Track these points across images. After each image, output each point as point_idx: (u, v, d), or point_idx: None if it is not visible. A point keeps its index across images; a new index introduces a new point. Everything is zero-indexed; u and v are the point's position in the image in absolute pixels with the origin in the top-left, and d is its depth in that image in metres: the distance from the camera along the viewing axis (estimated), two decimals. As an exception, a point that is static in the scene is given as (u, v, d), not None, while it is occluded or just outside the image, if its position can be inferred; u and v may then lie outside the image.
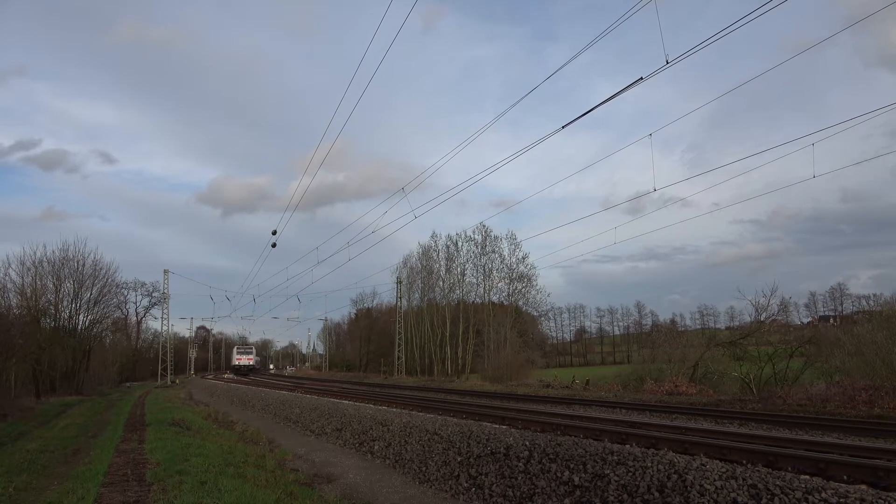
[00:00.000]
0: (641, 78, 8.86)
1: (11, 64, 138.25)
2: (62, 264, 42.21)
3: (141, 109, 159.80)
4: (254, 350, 79.63)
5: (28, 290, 39.52)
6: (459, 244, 57.85)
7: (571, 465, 5.73)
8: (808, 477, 4.66)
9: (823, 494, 4.05)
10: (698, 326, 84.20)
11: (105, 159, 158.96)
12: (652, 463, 5.24)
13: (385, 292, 74.39)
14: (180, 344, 78.75)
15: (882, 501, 3.84)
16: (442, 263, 59.44)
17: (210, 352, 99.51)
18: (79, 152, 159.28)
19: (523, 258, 56.47)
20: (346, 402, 14.85)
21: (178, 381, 51.23)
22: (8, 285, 38.64)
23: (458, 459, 7.06)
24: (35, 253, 42.14)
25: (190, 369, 70.58)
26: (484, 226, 56.61)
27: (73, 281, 43.03)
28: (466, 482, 6.65)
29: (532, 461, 6.15)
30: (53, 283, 41.54)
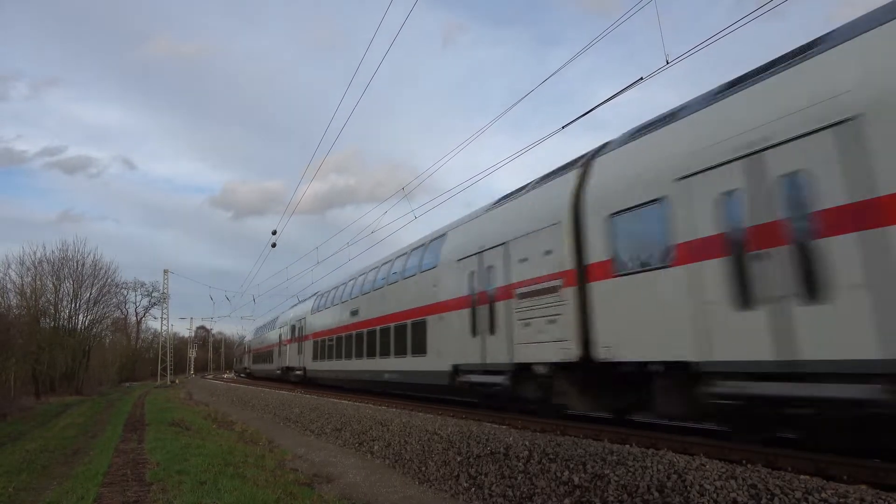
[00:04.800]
0: (641, 78, 8.85)
1: (46, 75, 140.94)
2: (62, 264, 42.36)
3: (161, 117, 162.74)
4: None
5: (28, 290, 39.60)
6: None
7: (571, 465, 5.72)
8: (807, 477, 4.65)
9: (823, 494, 4.05)
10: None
11: (127, 165, 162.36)
12: (652, 463, 5.24)
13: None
14: (180, 344, 78.67)
15: (882, 501, 3.84)
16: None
17: (210, 352, 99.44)
18: (101, 158, 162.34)
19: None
20: (346, 402, 14.85)
21: (177, 381, 51.18)
22: (8, 285, 38.75)
23: (458, 459, 7.06)
24: (35, 253, 42.36)
25: (189, 369, 70.51)
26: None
27: (73, 281, 43.15)
28: (466, 482, 6.65)
29: (532, 461, 6.15)
30: (53, 283, 41.66)
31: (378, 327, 16.80)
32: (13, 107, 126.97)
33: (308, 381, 26.61)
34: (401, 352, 14.96)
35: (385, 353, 16.05)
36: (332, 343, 21.81)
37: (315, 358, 24.76)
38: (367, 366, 17.68)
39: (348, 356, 19.64)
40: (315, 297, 27.39)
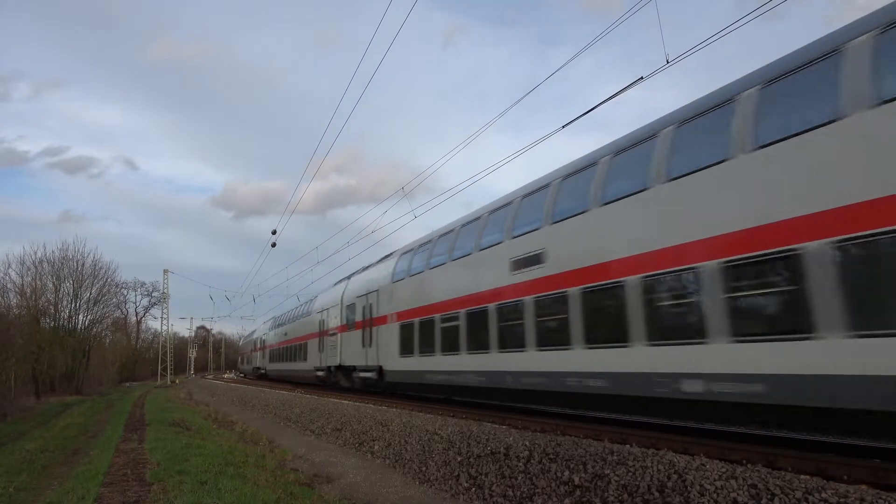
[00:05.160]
0: (642, 77, 8.85)
1: (48, 75, 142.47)
2: (62, 264, 42.33)
3: (163, 117, 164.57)
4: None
5: (28, 290, 39.58)
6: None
7: (571, 465, 5.72)
8: (808, 477, 4.66)
9: (823, 494, 4.05)
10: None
11: (128, 165, 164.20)
12: (652, 463, 5.24)
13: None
14: (180, 344, 78.64)
15: (882, 501, 3.85)
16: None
17: (210, 352, 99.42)
18: (103, 158, 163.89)
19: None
20: (346, 402, 14.85)
21: (177, 381, 51.21)
22: (8, 285, 38.75)
23: (458, 459, 7.07)
24: (35, 253, 42.30)
25: (190, 369, 70.54)
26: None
27: (73, 281, 43.13)
28: (466, 482, 6.65)
29: (532, 461, 6.15)
30: (53, 283, 41.64)
31: (624, 280, 8.49)
32: (15, 107, 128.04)
33: (386, 389, 17.65)
34: (719, 332, 7.00)
35: (648, 335, 8.02)
36: (457, 323, 12.98)
37: (405, 352, 15.69)
38: (580, 363, 9.24)
39: (504, 345, 11.28)
40: (398, 256, 17.95)
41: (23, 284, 39.67)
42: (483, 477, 6.48)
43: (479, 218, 13.27)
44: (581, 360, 9.26)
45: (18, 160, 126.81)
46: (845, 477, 5.17)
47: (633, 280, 8.33)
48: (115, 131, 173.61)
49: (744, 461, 5.69)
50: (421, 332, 14.92)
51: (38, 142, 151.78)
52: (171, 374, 56.46)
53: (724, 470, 4.78)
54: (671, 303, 7.91)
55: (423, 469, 7.55)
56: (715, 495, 4.44)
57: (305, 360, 27.28)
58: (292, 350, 30.76)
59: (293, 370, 30.28)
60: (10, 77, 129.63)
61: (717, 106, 7.71)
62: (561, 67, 10.51)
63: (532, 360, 10.42)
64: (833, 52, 6.45)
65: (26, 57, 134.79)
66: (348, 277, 23.78)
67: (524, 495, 5.84)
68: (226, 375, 65.09)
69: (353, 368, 20.14)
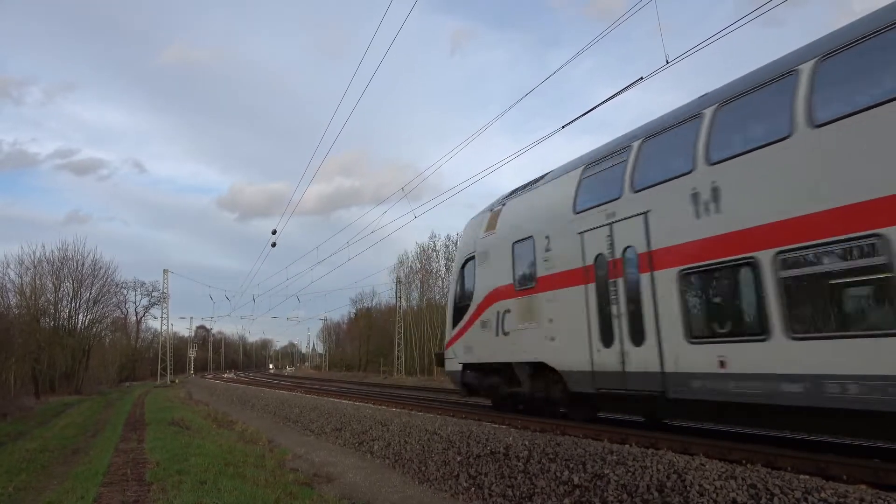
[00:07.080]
0: (641, 78, 8.87)
1: (62, 80, 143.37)
2: (61, 264, 42.39)
3: (171, 120, 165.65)
4: None
5: (27, 290, 39.60)
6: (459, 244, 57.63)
7: (571, 465, 5.72)
8: (807, 476, 4.65)
9: (823, 494, 4.05)
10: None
11: (137, 167, 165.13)
12: (651, 463, 5.24)
13: (384, 292, 73.55)
14: (180, 343, 78.63)
15: (882, 501, 3.84)
16: (441, 263, 59.05)
17: (210, 351, 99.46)
18: (112, 160, 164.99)
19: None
20: (346, 402, 14.86)
21: (177, 381, 51.20)
22: (7, 285, 38.77)
23: (458, 459, 7.06)
24: (34, 253, 42.31)
25: (189, 369, 70.50)
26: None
27: (73, 280, 43.17)
28: (466, 482, 6.65)
29: (531, 461, 6.15)
30: (53, 283, 41.70)
31: None
32: (27, 111, 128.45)
33: None
34: None
35: None
36: None
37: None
38: None
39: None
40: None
41: (22, 284, 39.72)
42: (482, 477, 6.48)
43: None
44: None
45: (29, 162, 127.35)
46: (845, 477, 5.16)
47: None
48: (124, 134, 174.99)
49: (743, 461, 5.68)
50: None
51: (48, 144, 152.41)
52: (170, 373, 56.44)
53: (723, 470, 4.78)
54: None
55: (423, 469, 7.55)
56: (714, 495, 4.44)
57: None
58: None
59: None
60: (24, 81, 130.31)
61: None
62: (562, 66, 10.58)
63: None
64: None
65: (39, 62, 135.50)
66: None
67: (523, 495, 5.84)
68: (225, 375, 65.06)
69: None
